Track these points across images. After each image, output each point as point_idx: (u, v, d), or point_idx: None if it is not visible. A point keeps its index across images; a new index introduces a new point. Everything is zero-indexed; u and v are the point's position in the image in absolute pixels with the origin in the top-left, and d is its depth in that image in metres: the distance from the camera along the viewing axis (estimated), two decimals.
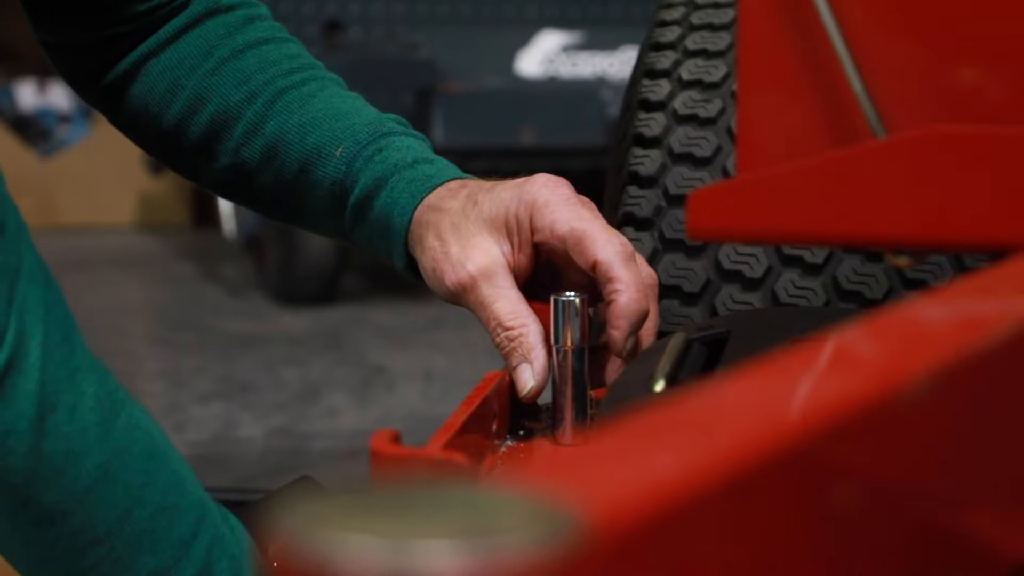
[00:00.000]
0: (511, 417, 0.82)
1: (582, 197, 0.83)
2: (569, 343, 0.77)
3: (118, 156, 6.01)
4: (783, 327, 0.81)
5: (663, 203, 1.03)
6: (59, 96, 6.21)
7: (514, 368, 0.80)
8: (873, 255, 0.98)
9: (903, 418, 0.40)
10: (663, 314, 1.01)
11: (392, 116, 0.93)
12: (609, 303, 0.79)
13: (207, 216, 5.57)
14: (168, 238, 5.81)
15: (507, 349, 0.80)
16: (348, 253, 4.21)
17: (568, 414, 0.78)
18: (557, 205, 0.81)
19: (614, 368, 0.82)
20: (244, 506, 0.94)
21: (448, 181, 0.87)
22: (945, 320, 0.47)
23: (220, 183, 0.98)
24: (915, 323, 0.47)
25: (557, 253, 0.82)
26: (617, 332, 0.79)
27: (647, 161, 1.06)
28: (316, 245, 4.06)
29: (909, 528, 0.41)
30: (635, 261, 0.80)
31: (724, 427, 0.35)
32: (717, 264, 1.00)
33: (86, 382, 0.76)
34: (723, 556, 0.32)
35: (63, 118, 6.24)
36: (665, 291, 1.01)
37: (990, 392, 0.45)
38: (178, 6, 0.95)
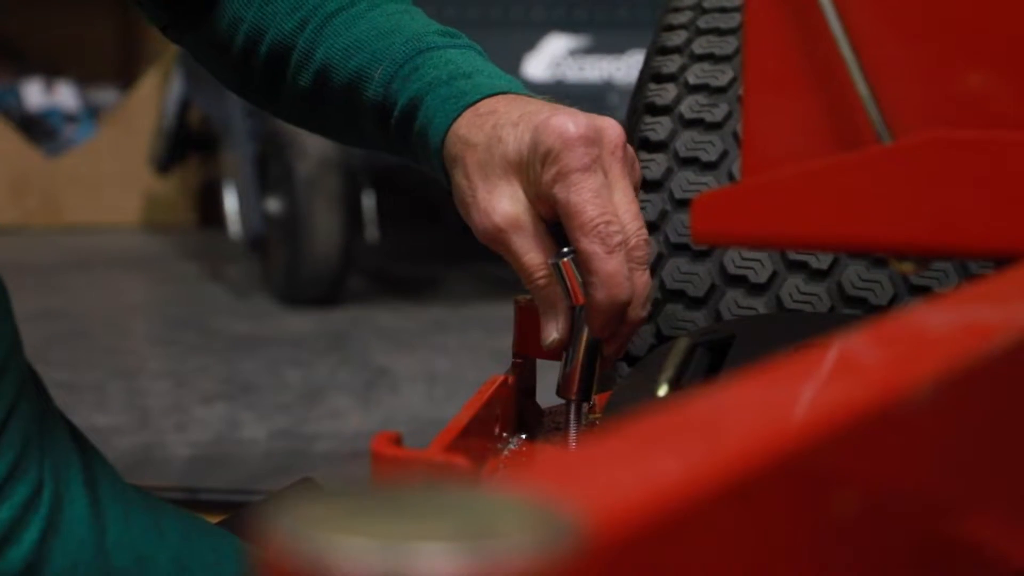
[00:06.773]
0: (515, 420, 0.81)
1: (596, 124, 0.79)
2: (577, 300, 0.79)
3: (124, 156, 6.01)
4: (787, 332, 0.80)
5: (669, 207, 1.03)
6: (65, 96, 6.21)
7: (541, 319, 0.81)
8: (878, 260, 0.97)
9: (906, 425, 0.40)
10: (667, 318, 1.00)
11: (440, 28, 0.90)
12: (587, 294, 0.79)
13: (212, 217, 5.56)
14: (173, 238, 5.81)
15: (537, 298, 0.81)
16: (352, 255, 4.20)
17: (575, 373, 0.80)
18: (562, 162, 0.78)
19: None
20: (245, 507, 0.95)
21: (481, 99, 0.83)
22: (949, 327, 0.47)
23: (290, 114, 0.98)
24: (919, 329, 0.46)
25: None
26: (593, 324, 0.80)
27: (653, 165, 1.05)
28: (321, 247, 4.06)
29: (912, 535, 0.41)
30: (619, 248, 0.78)
31: (726, 432, 0.35)
32: (722, 269, 1.00)
33: (127, 491, 0.77)
34: (722, 563, 0.32)
35: (69, 118, 6.24)
36: (670, 295, 1.01)
37: (994, 399, 0.45)
38: None
